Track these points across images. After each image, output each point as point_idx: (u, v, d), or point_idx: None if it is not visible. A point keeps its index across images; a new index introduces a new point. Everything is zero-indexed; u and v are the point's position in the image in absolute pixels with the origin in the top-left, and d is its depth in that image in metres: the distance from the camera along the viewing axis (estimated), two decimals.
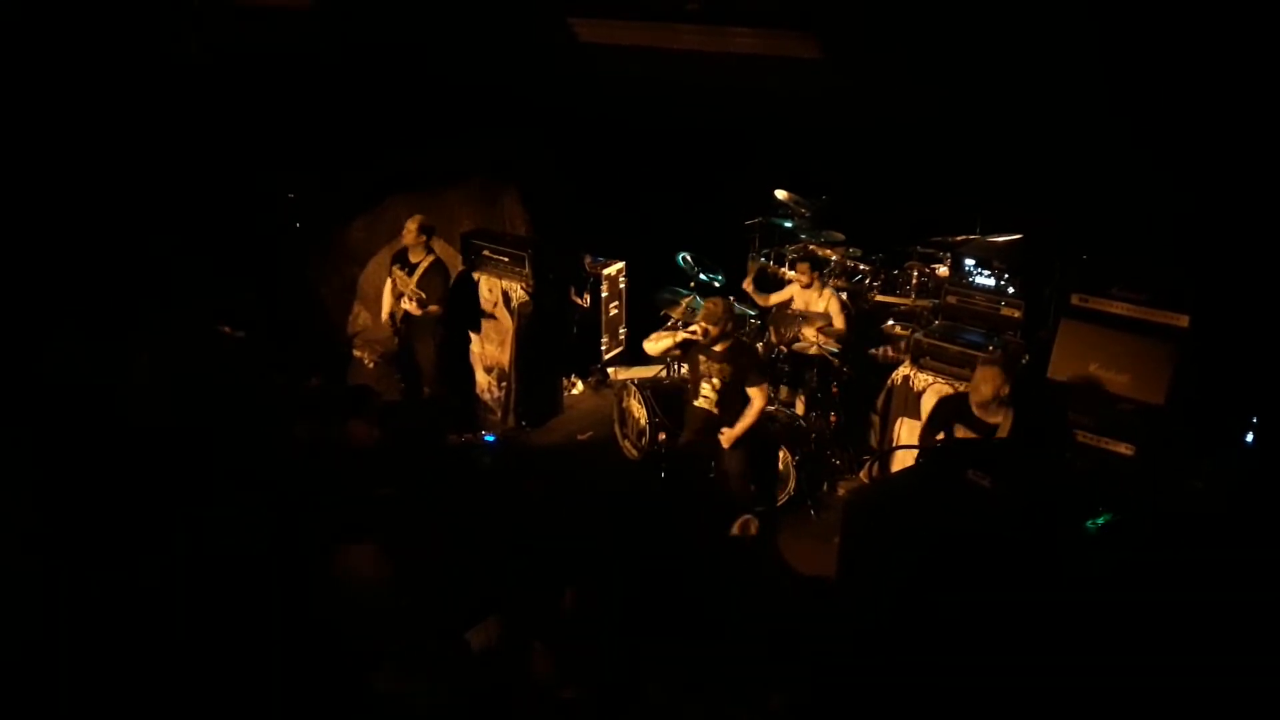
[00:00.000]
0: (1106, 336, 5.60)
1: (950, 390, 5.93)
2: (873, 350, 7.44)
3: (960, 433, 5.07)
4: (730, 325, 5.85)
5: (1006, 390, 4.83)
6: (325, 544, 4.68)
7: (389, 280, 7.35)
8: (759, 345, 7.15)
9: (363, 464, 6.03)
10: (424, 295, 6.99)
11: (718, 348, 5.87)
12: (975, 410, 4.97)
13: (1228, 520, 4.56)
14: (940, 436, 5.22)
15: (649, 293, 7.85)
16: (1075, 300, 5.76)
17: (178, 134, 7.17)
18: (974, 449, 4.84)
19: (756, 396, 5.87)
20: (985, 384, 4.85)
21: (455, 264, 8.03)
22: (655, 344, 6.15)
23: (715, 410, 5.94)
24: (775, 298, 7.69)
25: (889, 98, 6.77)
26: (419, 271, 7.04)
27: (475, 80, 8.04)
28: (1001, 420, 4.92)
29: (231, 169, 7.45)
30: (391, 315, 7.28)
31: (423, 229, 7.07)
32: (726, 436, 5.90)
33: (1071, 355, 5.74)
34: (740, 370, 5.87)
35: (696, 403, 6.02)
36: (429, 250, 7.13)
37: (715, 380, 5.88)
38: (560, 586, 5.16)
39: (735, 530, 6.21)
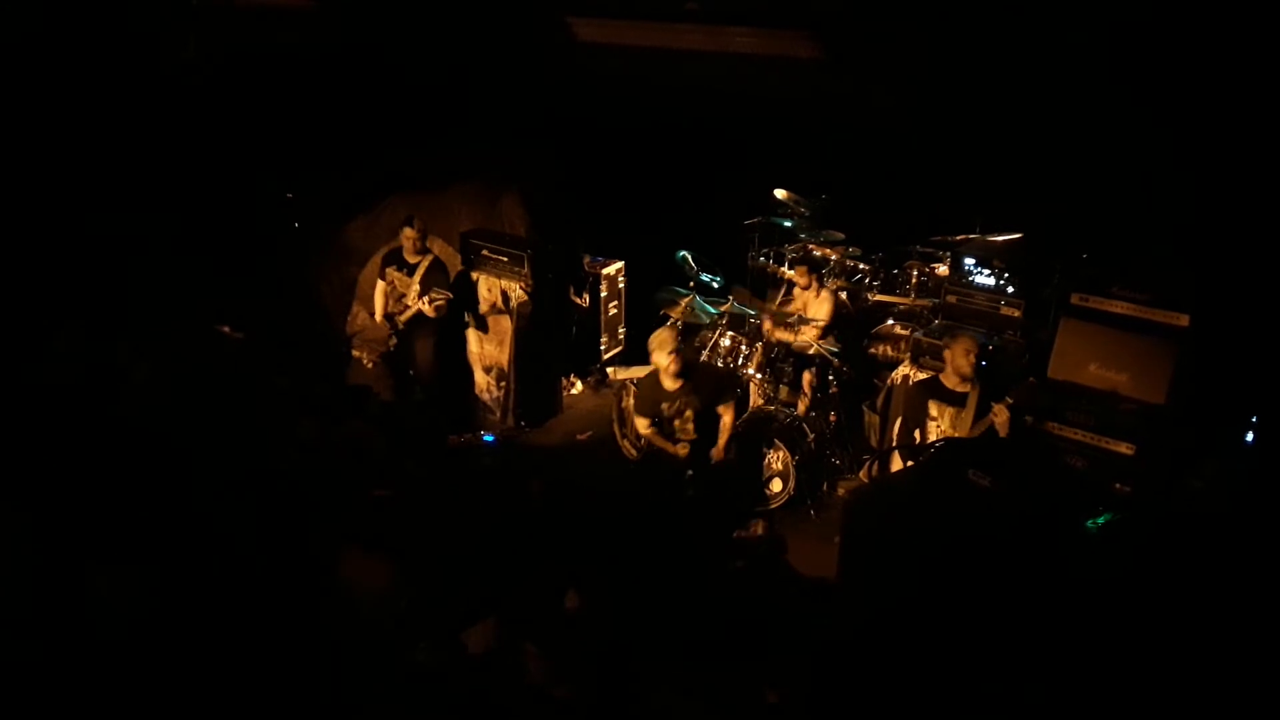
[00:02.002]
0: (1107, 336, 5.60)
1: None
2: (872, 350, 7.43)
3: (935, 409, 5.38)
4: (682, 346, 5.73)
5: (976, 359, 5.26)
6: (325, 545, 4.68)
7: (381, 283, 7.35)
8: (758, 345, 7.14)
9: (363, 465, 6.03)
10: (448, 295, 7.01)
11: (679, 383, 5.73)
12: (946, 384, 5.38)
13: (1228, 519, 4.56)
14: (916, 430, 5.47)
15: (648, 292, 7.84)
16: (1075, 299, 5.76)
17: (177, 134, 7.17)
18: (974, 449, 4.85)
19: (726, 413, 5.93)
20: (964, 359, 5.24)
21: (454, 264, 8.02)
22: (646, 428, 6.02)
23: (695, 436, 5.91)
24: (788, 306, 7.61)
25: (889, 97, 6.77)
26: (420, 271, 7.03)
27: (475, 80, 8.03)
28: (969, 390, 5.30)
29: (231, 169, 7.44)
30: (389, 317, 7.26)
31: (423, 234, 7.09)
32: (715, 455, 5.96)
33: (1072, 354, 5.75)
34: (707, 394, 5.83)
35: (677, 448, 5.91)
36: (426, 250, 7.13)
37: (688, 412, 5.82)
38: (560, 587, 5.16)
39: (744, 533, 6.21)
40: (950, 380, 5.36)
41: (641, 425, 5.94)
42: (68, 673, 3.74)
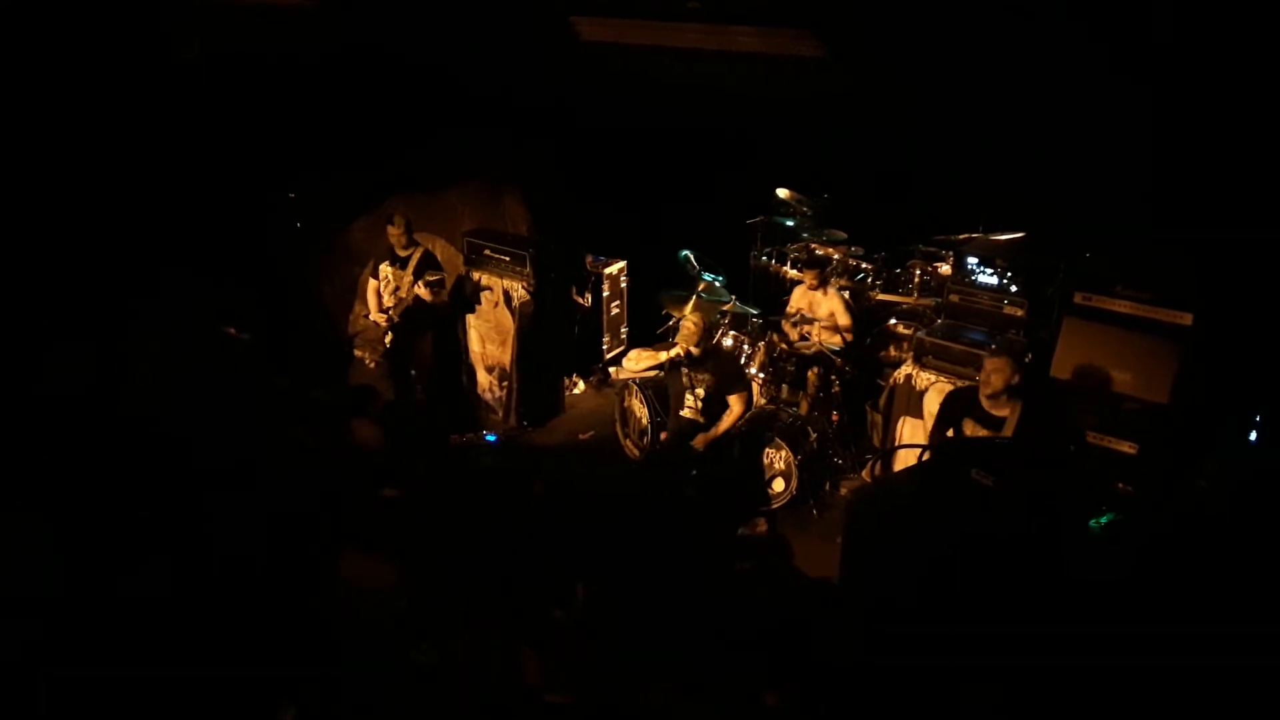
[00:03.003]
0: (1110, 335, 5.58)
1: (953, 386, 5.93)
2: (882, 354, 7.44)
3: (969, 428, 5.06)
4: (709, 341, 5.86)
5: (1016, 380, 4.86)
6: (328, 545, 4.67)
7: (374, 281, 7.38)
8: (760, 345, 7.13)
9: (366, 464, 6.03)
10: (441, 274, 7.08)
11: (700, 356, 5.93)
12: (984, 403, 4.99)
13: (1231, 519, 4.55)
14: (950, 433, 5.19)
15: (650, 292, 7.84)
16: (1078, 298, 5.74)
17: (179, 134, 7.17)
18: (977, 448, 4.83)
19: (735, 404, 5.97)
20: (997, 375, 4.88)
21: (456, 263, 8.03)
22: (635, 363, 6.14)
23: (701, 419, 6.03)
24: (790, 306, 7.61)
25: (891, 96, 6.75)
26: (413, 263, 7.09)
27: (477, 79, 8.02)
28: (1009, 413, 4.92)
29: (233, 169, 7.44)
30: (386, 312, 7.30)
31: (408, 227, 7.14)
32: (701, 440, 5.96)
33: (1075, 354, 5.73)
34: (723, 379, 5.94)
35: (682, 413, 6.05)
36: (415, 243, 7.18)
37: (700, 390, 5.93)
38: (564, 586, 5.16)
39: (746, 530, 6.22)
40: (988, 401, 4.99)
41: (654, 357, 5.97)
42: (79, 671, 3.74)
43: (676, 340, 5.87)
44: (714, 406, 5.98)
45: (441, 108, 8.12)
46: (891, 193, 7.82)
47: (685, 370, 5.97)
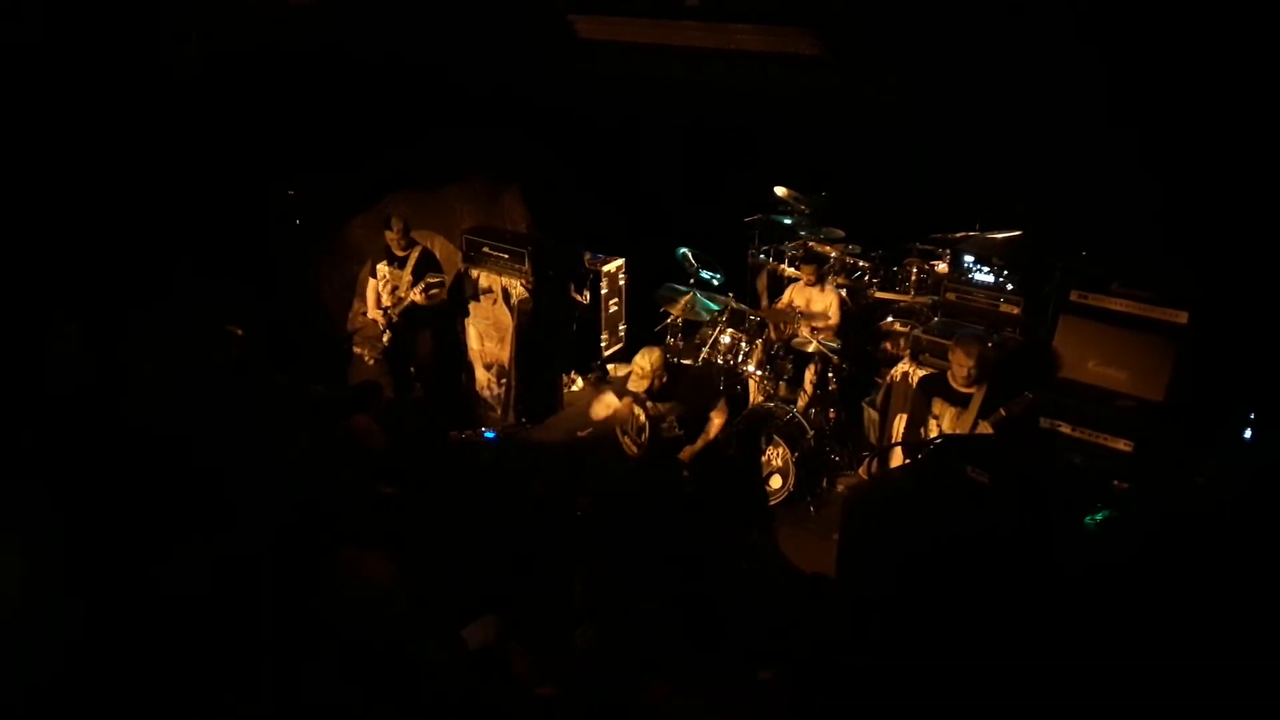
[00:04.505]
0: (1106, 333, 5.60)
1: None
2: (879, 350, 7.46)
3: (939, 406, 5.32)
4: (665, 376, 5.76)
5: (983, 364, 5.13)
6: (327, 544, 4.68)
7: (372, 280, 7.39)
8: (758, 342, 7.15)
9: (365, 462, 6.04)
10: (441, 278, 7.09)
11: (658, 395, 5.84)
12: (952, 384, 5.29)
13: (1228, 517, 4.57)
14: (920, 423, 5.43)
15: (649, 290, 7.86)
16: (1075, 297, 5.76)
17: (178, 132, 7.17)
18: (973, 446, 4.86)
19: (715, 417, 5.91)
20: (960, 367, 5.17)
21: (455, 261, 8.04)
22: (602, 409, 6.07)
23: (680, 434, 5.93)
24: (782, 301, 7.63)
25: (889, 94, 6.77)
26: (410, 263, 7.09)
27: (476, 77, 8.03)
28: (975, 391, 5.20)
29: (232, 167, 7.45)
30: (385, 311, 7.30)
31: (405, 229, 7.14)
32: (686, 453, 5.92)
33: (1071, 352, 5.75)
34: (692, 402, 5.86)
35: (662, 431, 5.96)
36: (413, 243, 7.19)
37: (670, 418, 5.87)
38: (562, 584, 5.17)
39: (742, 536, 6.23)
40: (956, 380, 5.28)
41: (614, 405, 5.91)
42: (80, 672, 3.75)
43: (629, 387, 5.78)
44: (691, 424, 5.91)
45: (441, 106, 8.12)
46: (889, 191, 7.83)
47: (649, 403, 5.87)
